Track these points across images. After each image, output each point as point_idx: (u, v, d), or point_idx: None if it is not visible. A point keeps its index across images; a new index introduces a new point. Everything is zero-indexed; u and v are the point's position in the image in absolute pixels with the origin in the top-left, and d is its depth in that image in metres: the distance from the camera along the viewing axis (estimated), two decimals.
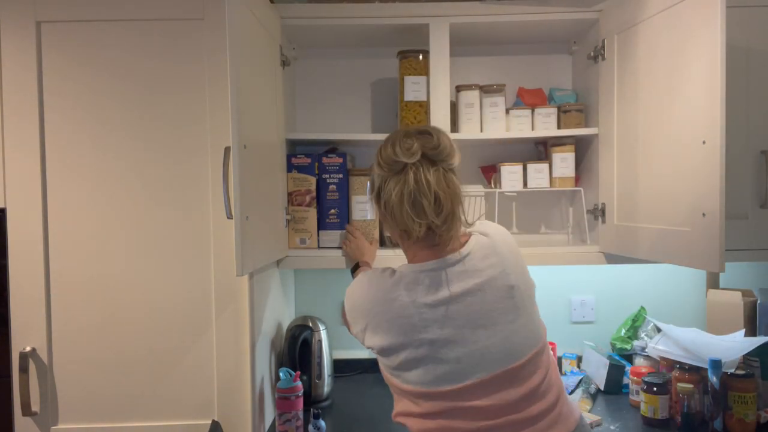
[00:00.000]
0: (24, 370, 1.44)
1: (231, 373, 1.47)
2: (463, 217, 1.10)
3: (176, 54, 1.46)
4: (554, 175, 1.76)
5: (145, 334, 1.47)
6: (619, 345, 1.91)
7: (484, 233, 1.13)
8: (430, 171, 1.04)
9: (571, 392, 1.76)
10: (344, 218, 1.75)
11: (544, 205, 1.99)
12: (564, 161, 1.75)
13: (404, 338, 1.04)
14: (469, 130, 1.78)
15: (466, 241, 1.12)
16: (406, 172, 1.05)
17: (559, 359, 1.92)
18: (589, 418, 1.55)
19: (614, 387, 1.77)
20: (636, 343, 1.86)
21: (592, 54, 1.72)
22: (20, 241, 1.45)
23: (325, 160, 1.74)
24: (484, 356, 1.03)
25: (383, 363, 1.10)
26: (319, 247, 1.75)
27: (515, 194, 1.98)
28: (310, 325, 1.77)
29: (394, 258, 1.69)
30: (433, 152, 1.06)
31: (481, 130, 1.78)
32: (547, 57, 1.98)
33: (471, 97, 1.78)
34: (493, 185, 1.89)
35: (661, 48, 1.36)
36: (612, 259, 1.65)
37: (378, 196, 1.12)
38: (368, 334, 1.09)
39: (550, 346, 1.19)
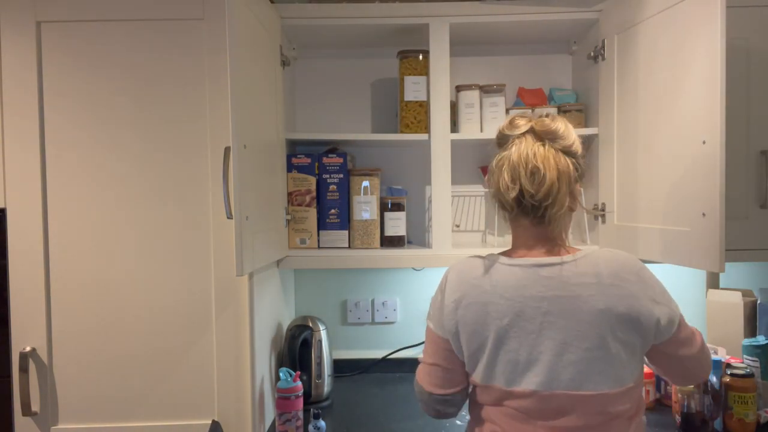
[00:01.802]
0: (24, 370, 1.44)
1: (231, 373, 1.47)
2: (578, 200, 1.08)
3: (176, 54, 1.46)
4: None
5: (145, 334, 1.47)
6: None
7: (596, 254, 1.03)
8: (535, 144, 1.03)
9: None
10: (344, 218, 1.75)
11: None
12: None
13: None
14: (469, 130, 1.78)
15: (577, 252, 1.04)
16: (511, 145, 1.06)
17: None
18: None
19: None
20: None
21: (592, 54, 1.72)
22: (20, 241, 1.45)
23: (325, 160, 1.74)
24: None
25: None
26: (319, 247, 1.76)
27: None
28: (310, 325, 1.77)
29: (395, 259, 1.69)
30: (541, 128, 1.05)
31: (481, 130, 1.79)
32: (547, 57, 1.98)
33: (471, 97, 1.78)
34: None
35: (661, 48, 1.36)
36: None
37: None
38: None
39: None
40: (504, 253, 1.09)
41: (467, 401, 1.13)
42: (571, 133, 1.06)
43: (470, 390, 1.11)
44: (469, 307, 1.03)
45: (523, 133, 1.05)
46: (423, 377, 1.12)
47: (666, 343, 1.02)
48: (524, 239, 1.07)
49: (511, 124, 1.08)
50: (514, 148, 1.05)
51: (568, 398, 0.97)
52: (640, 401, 1.03)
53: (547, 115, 1.08)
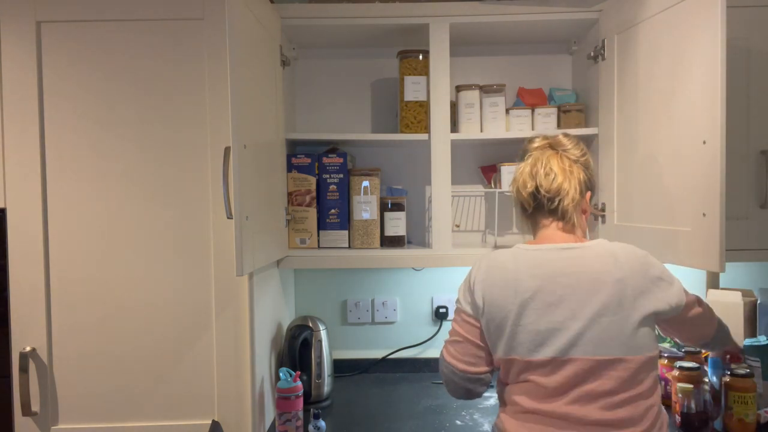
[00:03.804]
0: (24, 370, 1.44)
1: (231, 373, 1.47)
2: (586, 202, 1.24)
3: (176, 54, 1.46)
4: None
5: (145, 334, 1.47)
6: None
7: (609, 242, 1.17)
8: (550, 155, 1.23)
9: None
10: (344, 218, 1.75)
11: None
12: None
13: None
14: (469, 130, 1.78)
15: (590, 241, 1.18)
16: (531, 156, 1.26)
17: None
18: None
19: None
20: None
21: (592, 54, 1.72)
22: (20, 241, 1.45)
23: (325, 160, 1.74)
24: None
25: None
26: (319, 247, 1.76)
27: None
28: (310, 325, 1.77)
29: (395, 259, 1.69)
30: (555, 142, 1.25)
31: (481, 130, 1.79)
32: (547, 57, 1.98)
33: (471, 97, 1.78)
34: (493, 185, 1.89)
35: (662, 48, 1.36)
36: None
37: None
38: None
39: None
40: (529, 243, 1.22)
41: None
42: (579, 148, 1.26)
43: (497, 375, 1.21)
44: (494, 284, 1.14)
45: (542, 147, 1.26)
46: (454, 357, 1.21)
47: (677, 317, 1.15)
48: (544, 233, 1.23)
49: (531, 141, 1.30)
50: (533, 159, 1.24)
51: (584, 362, 1.05)
52: (656, 378, 1.12)
53: (562, 134, 1.29)
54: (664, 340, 1.77)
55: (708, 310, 1.25)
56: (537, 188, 1.20)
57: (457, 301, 1.23)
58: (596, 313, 1.06)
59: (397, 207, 1.78)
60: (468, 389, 1.21)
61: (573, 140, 1.26)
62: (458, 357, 1.20)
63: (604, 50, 1.64)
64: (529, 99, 1.89)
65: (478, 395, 1.23)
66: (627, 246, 1.14)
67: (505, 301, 1.12)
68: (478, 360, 1.19)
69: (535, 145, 1.27)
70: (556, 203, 1.19)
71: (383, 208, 1.78)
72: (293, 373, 1.55)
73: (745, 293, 1.73)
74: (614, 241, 1.18)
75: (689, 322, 1.20)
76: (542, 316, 1.09)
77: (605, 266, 1.10)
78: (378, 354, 2.04)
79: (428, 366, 2.03)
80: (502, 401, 1.18)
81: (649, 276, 1.10)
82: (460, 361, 1.19)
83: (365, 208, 1.74)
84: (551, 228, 1.22)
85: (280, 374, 1.54)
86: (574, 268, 1.11)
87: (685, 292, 1.15)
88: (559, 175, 1.19)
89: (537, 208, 1.23)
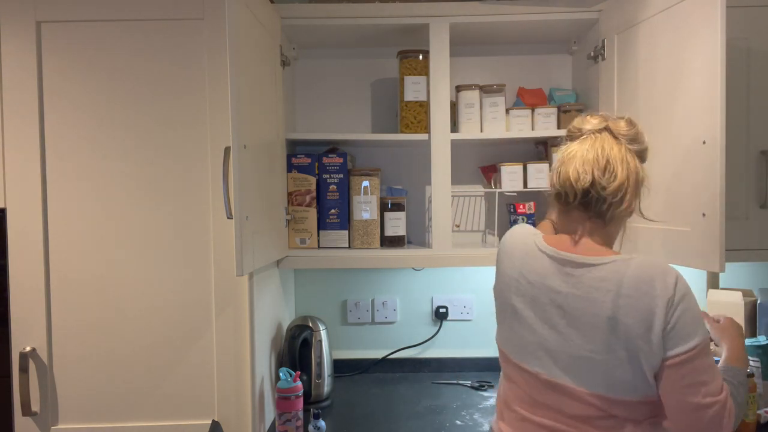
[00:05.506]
0: (24, 369, 1.44)
1: (231, 373, 1.47)
2: (636, 203, 1.05)
3: (176, 54, 1.46)
4: None
5: (145, 334, 1.47)
6: None
7: (628, 262, 0.98)
8: (608, 141, 1.03)
9: None
10: (344, 218, 1.75)
11: (545, 205, 1.99)
12: None
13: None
14: (469, 130, 1.78)
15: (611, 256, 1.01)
16: (585, 140, 1.05)
17: None
18: None
19: None
20: None
21: (592, 54, 1.72)
22: (20, 241, 1.45)
23: (325, 160, 1.74)
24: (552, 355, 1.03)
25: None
26: (319, 247, 1.76)
27: (515, 194, 1.98)
28: (310, 325, 1.78)
29: (395, 259, 1.69)
30: (615, 126, 1.05)
31: (481, 130, 1.79)
32: (547, 57, 1.98)
33: (471, 97, 1.78)
34: (493, 185, 1.89)
35: (662, 48, 1.36)
36: None
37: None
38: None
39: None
40: (547, 237, 1.10)
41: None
42: (645, 139, 1.07)
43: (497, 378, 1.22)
44: (504, 272, 1.13)
45: (600, 130, 1.05)
46: None
47: (665, 365, 0.94)
48: (571, 229, 1.07)
49: (586, 120, 1.09)
50: (588, 144, 1.04)
51: (566, 389, 1.01)
52: (651, 410, 0.99)
53: (622, 118, 1.07)
54: None
55: (709, 410, 0.92)
56: (593, 184, 1.00)
57: None
58: (582, 346, 0.98)
59: (397, 207, 1.78)
60: None
61: (639, 128, 1.06)
62: None
63: (604, 50, 1.64)
64: (529, 99, 1.89)
65: None
66: (646, 270, 0.95)
67: (506, 294, 1.10)
68: None
69: (589, 126, 1.06)
70: (606, 206, 1.01)
71: (383, 208, 1.78)
72: (293, 373, 1.55)
73: (745, 293, 1.73)
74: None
75: (674, 397, 0.94)
76: (530, 328, 1.05)
77: (602, 296, 0.96)
78: (378, 354, 2.04)
79: (428, 366, 2.03)
80: (500, 405, 1.15)
81: (649, 314, 0.93)
82: None
83: (365, 208, 1.74)
84: (581, 229, 1.05)
85: (280, 374, 1.54)
86: (570, 288, 1.00)
87: (695, 354, 0.92)
88: (619, 172, 1.00)
89: (580, 205, 1.03)
